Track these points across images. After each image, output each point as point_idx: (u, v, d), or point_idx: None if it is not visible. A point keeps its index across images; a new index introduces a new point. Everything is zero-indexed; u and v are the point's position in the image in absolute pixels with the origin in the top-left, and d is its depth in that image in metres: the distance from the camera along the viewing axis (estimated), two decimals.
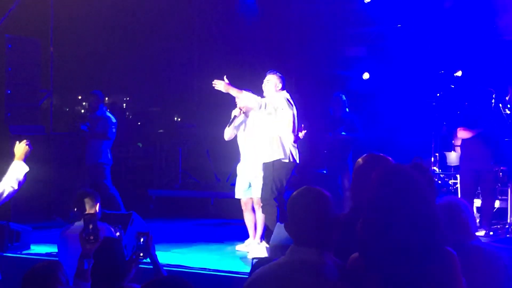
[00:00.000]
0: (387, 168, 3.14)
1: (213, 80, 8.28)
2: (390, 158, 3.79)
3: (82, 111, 19.03)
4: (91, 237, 4.31)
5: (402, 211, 2.92)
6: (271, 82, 8.38)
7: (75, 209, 6.12)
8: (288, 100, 8.31)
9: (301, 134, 8.53)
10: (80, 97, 19.19)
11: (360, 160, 3.84)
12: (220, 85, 8.23)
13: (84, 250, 4.31)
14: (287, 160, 8.19)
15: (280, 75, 8.43)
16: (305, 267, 3.07)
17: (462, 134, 9.85)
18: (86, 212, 5.79)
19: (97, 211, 6.09)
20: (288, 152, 8.21)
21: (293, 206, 3.23)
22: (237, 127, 8.86)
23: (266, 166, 8.24)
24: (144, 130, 15.83)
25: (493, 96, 9.74)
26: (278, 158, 8.15)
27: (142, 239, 4.60)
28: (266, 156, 8.25)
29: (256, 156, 8.56)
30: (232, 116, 8.80)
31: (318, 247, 3.10)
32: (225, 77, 8.32)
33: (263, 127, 8.36)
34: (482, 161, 9.64)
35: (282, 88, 8.39)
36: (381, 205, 2.97)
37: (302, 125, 8.54)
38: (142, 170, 14.19)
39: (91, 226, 4.33)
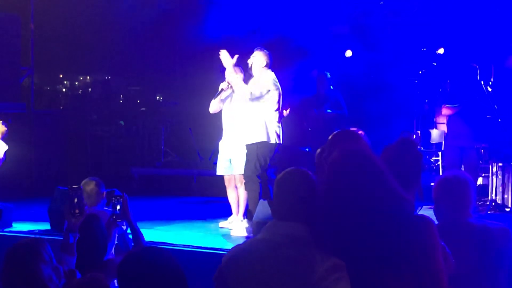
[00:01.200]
0: (343, 150, 3.12)
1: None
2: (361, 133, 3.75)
3: (64, 90, 18.92)
4: (76, 211, 4.30)
5: (359, 190, 2.91)
6: (258, 59, 8.31)
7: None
8: (274, 80, 8.26)
9: (285, 112, 8.51)
10: (61, 76, 19.06)
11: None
12: (227, 60, 8.20)
13: (69, 224, 4.29)
14: (271, 142, 8.17)
15: (267, 52, 8.34)
16: (291, 241, 3.02)
17: (446, 111, 9.90)
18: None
19: (103, 198, 6.10)
20: (272, 134, 8.18)
21: (279, 186, 3.22)
22: (223, 101, 8.78)
23: (250, 147, 8.22)
24: (126, 108, 15.74)
25: (478, 72, 9.77)
26: (262, 140, 8.13)
27: (118, 206, 4.57)
28: (250, 138, 8.21)
29: (239, 136, 8.51)
30: (220, 89, 8.70)
31: (300, 222, 3.07)
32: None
33: (249, 109, 8.30)
34: (466, 138, 9.71)
35: (269, 66, 8.33)
36: (337, 187, 2.96)
37: (288, 103, 8.53)
38: (124, 149, 14.13)
39: (75, 200, 4.31)
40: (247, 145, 8.24)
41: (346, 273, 2.87)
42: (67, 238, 4.25)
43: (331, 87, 10.97)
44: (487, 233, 3.79)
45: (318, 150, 3.93)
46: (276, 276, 2.96)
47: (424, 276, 2.77)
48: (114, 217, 4.51)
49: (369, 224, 2.86)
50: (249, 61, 8.37)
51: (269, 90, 8.14)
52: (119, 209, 4.50)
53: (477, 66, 9.79)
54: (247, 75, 8.58)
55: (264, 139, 8.12)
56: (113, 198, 4.60)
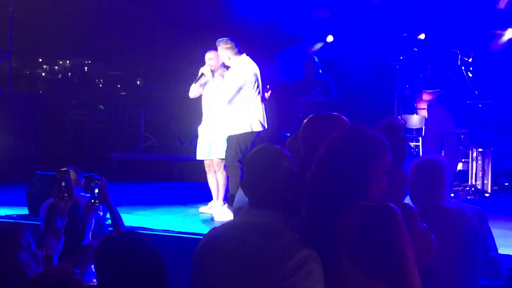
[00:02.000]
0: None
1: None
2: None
3: (43, 74, 18.79)
4: (65, 194, 4.26)
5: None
6: (221, 53, 8.23)
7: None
8: (245, 69, 8.17)
9: (267, 95, 8.46)
10: (40, 60, 18.92)
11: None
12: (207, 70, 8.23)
13: (58, 207, 4.25)
14: (253, 130, 8.14)
15: (228, 39, 8.18)
16: (262, 231, 2.87)
17: (427, 97, 9.93)
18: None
19: (81, 185, 6.03)
20: (254, 122, 8.13)
21: (249, 165, 3.06)
22: (203, 86, 8.71)
23: (231, 136, 8.16)
24: (106, 92, 15.65)
25: (458, 57, 9.80)
26: (243, 132, 8.08)
27: (96, 190, 4.52)
28: (231, 129, 8.14)
29: (219, 124, 8.45)
30: (200, 73, 8.61)
31: (274, 209, 2.92)
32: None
33: (222, 99, 8.25)
34: (446, 123, 9.74)
35: (239, 51, 8.24)
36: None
37: (268, 86, 8.47)
38: (104, 133, 14.06)
39: (63, 184, 4.26)
40: (228, 136, 8.19)
41: (318, 265, 2.74)
42: (55, 222, 4.20)
43: (320, 71, 10.89)
44: (462, 216, 3.80)
45: (290, 137, 3.85)
46: (246, 266, 2.83)
47: (387, 270, 2.65)
48: (92, 201, 4.46)
49: (340, 212, 2.76)
50: (220, 56, 8.30)
51: (240, 87, 8.06)
52: (97, 193, 4.45)
53: (458, 52, 9.81)
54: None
55: (246, 130, 8.08)
56: (92, 182, 4.56)
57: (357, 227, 2.69)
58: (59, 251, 4.18)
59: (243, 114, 8.10)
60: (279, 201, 2.94)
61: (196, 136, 9.08)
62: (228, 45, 8.17)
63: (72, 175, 6.05)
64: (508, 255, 6.22)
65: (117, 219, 4.55)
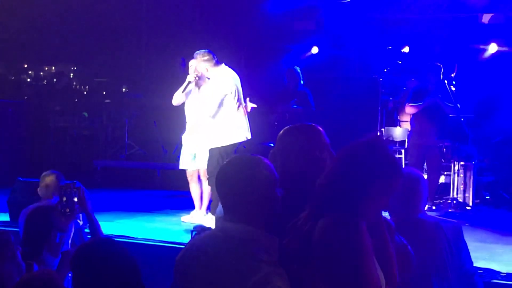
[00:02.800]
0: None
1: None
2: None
3: (28, 80, 18.72)
4: (67, 210, 4.18)
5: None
6: (199, 66, 8.22)
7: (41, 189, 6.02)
8: (225, 80, 8.14)
9: (250, 105, 8.48)
10: (25, 66, 18.85)
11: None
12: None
13: (59, 223, 4.18)
14: (236, 142, 8.13)
15: (206, 52, 8.16)
16: (228, 244, 2.84)
17: (410, 110, 9.98)
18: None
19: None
20: (236, 133, 8.12)
21: (220, 176, 2.97)
22: (187, 94, 8.72)
23: (214, 148, 8.15)
24: (91, 100, 15.62)
25: (441, 71, 9.86)
26: (226, 144, 8.07)
27: (64, 197, 4.40)
28: (214, 142, 8.13)
29: (203, 134, 8.43)
30: (187, 82, 8.59)
31: (245, 223, 2.86)
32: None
33: (204, 112, 8.21)
34: (428, 136, 9.79)
35: (216, 63, 8.21)
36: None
37: (248, 98, 8.48)
38: (87, 140, 14.02)
39: (64, 199, 4.19)
40: (210, 149, 8.17)
41: (283, 282, 2.71)
42: (54, 238, 4.15)
43: (302, 81, 10.91)
44: (438, 229, 3.81)
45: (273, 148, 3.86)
46: (216, 279, 2.80)
47: (346, 284, 2.63)
48: (62, 210, 4.30)
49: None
50: (198, 69, 8.29)
51: (222, 100, 8.06)
52: (65, 201, 4.30)
53: (441, 65, 9.87)
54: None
55: (229, 142, 8.07)
56: (71, 190, 4.46)
57: (322, 241, 2.69)
58: (54, 268, 4.14)
59: (225, 126, 8.08)
60: (251, 215, 2.87)
61: (180, 145, 9.07)
62: (205, 58, 8.15)
63: (53, 179, 6.03)
64: (488, 269, 6.25)
65: (95, 227, 4.53)
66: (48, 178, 6.11)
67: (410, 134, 10.28)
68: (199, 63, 8.21)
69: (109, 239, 2.88)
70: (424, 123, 9.80)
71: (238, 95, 8.19)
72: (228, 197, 2.93)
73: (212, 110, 8.02)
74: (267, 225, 2.91)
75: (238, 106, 8.18)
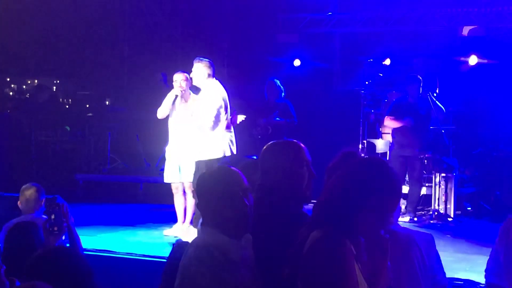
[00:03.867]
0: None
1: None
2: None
3: (11, 93, 18.65)
4: (55, 228, 4.15)
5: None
6: (199, 70, 8.23)
7: (21, 203, 5.99)
8: (218, 93, 8.19)
9: (240, 118, 8.52)
10: (8, 79, 18.79)
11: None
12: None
13: (47, 241, 4.14)
14: (223, 155, 8.15)
15: (207, 61, 8.26)
16: (197, 250, 3.07)
17: (389, 123, 10.04)
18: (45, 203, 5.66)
19: (42, 205, 5.94)
20: (224, 147, 8.15)
21: (199, 185, 3.23)
22: (171, 106, 8.71)
23: (200, 161, 8.16)
24: (73, 113, 15.58)
25: (421, 84, 9.93)
26: (213, 158, 8.08)
27: (53, 215, 4.35)
28: (200, 155, 8.15)
29: (188, 148, 8.43)
30: (173, 96, 8.58)
31: (218, 229, 3.10)
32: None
33: (200, 124, 8.20)
34: (410, 148, 9.84)
35: (213, 75, 8.29)
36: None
37: (235, 110, 8.51)
38: (69, 154, 13.97)
39: (53, 217, 4.15)
40: (196, 162, 8.18)
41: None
42: None
43: (283, 94, 10.94)
44: (410, 240, 3.83)
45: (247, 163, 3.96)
46: (186, 285, 3.01)
47: None
48: (50, 228, 4.26)
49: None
50: (192, 74, 8.32)
51: (218, 112, 8.09)
52: (53, 218, 4.26)
53: (420, 78, 9.95)
54: (193, 87, 8.55)
55: (216, 155, 8.08)
56: (50, 207, 4.42)
57: (308, 253, 2.77)
58: None
59: (213, 139, 8.12)
60: (225, 223, 3.10)
61: (162, 159, 9.05)
62: (208, 65, 8.22)
63: (33, 193, 6.00)
64: (468, 280, 6.29)
65: (75, 242, 4.51)
66: (28, 192, 6.08)
67: (392, 146, 10.34)
68: (201, 68, 8.20)
69: (63, 247, 2.86)
70: (405, 135, 9.86)
71: (226, 109, 8.22)
72: (203, 204, 3.20)
73: (210, 123, 8.04)
74: (240, 230, 3.14)
75: (227, 121, 8.22)
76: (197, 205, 3.24)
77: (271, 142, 3.77)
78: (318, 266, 2.71)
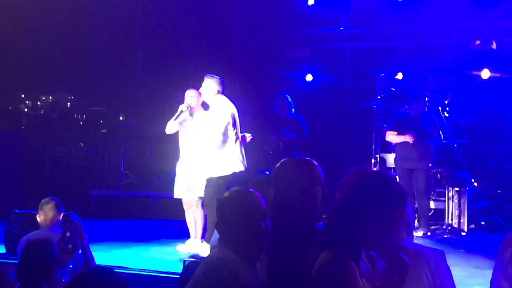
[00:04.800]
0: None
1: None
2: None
3: (25, 109, 18.76)
4: (69, 246, 4.17)
5: None
6: (210, 87, 8.29)
7: (40, 216, 6.04)
8: (227, 109, 8.24)
9: (247, 136, 8.55)
10: (23, 96, 18.91)
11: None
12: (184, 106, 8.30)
13: (61, 259, 4.16)
14: (234, 171, 8.19)
15: (218, 78, 8.32)
16: (207, 264, 3.15)
17: (390, 138, 10.06)
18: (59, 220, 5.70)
19: (60, 220, 5.99)
20: (234, 163, 8.18)
21: (221, 205, 3.27)
22: (181, 123, 8.75)
23: (212, 178, 8.19)
24: (87, 129, 15.67)
25: (426, 99, 9.94)
26: (223, 175, 8.11)
27: (68, 233, 4.39)
28: (212, 172, 8.18)
29: (199, 163, 8.46)
30: (179, 111, 8.63)
31: (232, 249, 3.16)
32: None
33: (209, 141, 8.26)
34: (413, 161, 9.83)
35: (222, 92, 8.33)
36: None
37: (246, 134, 8.57)
38: (83, 171, 14.04)
39: (68, 234, 4.18)
40: (207, 179, 8.22)
41: None
42: (54, 273, 4.14)
43: (293, 110, 10.97)
44: (420, 256, 3.82)
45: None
46: None
47: None
48: (66, 246, 4.26)
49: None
50: (201, 90, 8.37)
51: (226, 129, 8.13)
52: (68, 236, 4.29)
53: (427, 94, 9.98)
54: (203, 103, 8.59)
55: (227, 172, 8.11)
56: (66, 224, 4.46)
57: (316, 273, 2.79)
58: None
59: (223, 156, 8.15)
60: (240, 245, 3.15)
61: (175, 174, 9.09)
62: (218, 82, 8.27)
63: (52, 208, 6.05)
64: None
65: (88, 259, 4.54)
66: (47, 207, 6.13)
67: (395, 159, 10.31)
68: (211, 84, 8.26)
69: (107, 268, 2.89)
70: (408, 149, 9.85)
71: (235, 126, 8.26)
72: (221, 225, 3.24)
73: (218, 141, 8.08)
74: (254, 253, 3.17)
75: (236, 137, 8.26)
76: (216, 225, 3.28)
77: (285, 159, 3.78)
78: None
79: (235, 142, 8.26)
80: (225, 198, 3.28)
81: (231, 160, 8.19)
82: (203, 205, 8.47)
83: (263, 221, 3.20)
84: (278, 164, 3.73)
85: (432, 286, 3.80)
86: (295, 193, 3.55)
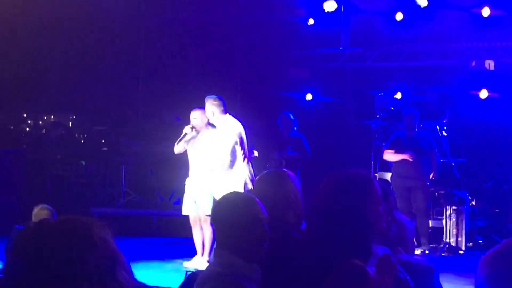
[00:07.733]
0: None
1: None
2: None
3: (27, 129, 18.82)
4: None
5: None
6: (210, 109, 8.38)
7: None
8: (233, 127, 8.34)
9: (255, 153, 8.64)
10: (25, 115, 18.98)
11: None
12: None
13: None
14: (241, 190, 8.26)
15: (217, 97, 8.41)
16: (211, 272, 3.21)
17: (388, 157, 10.13)
18: None
19: None
20: (242, 182, 8.26)
21: (215, 211, 3.38)
22: (187, 142, 8.83)
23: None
24: (88, 148, 15.74)
25: (416, 117, 10.04)
26: None
27: None
28: (220, 191, 8.20)
29: (207, 181, 8.54)
30: (184, 133, 8.75)
31: (233, 252, 3.19)
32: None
33: (217, 164, 8.34)
34: (412, 180, 9.90)
35: (225, 111, 8.44)
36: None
37: (252, 145, 8.65)
38: (84, 189, 14.11)
39: None
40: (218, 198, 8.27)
41: None
42: None
43: (295, 128, 11.06)
44: (409, 268, 3.85)
45: None
46: None
47: None
48: None
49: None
50: (206, 114, 8.46)
51: (233, 149, 8.22)
52: None
53: (415, 113, 10.10)
54: (212, 125, 8.67)
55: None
56: None
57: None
58: None
59: (232, 175, 8.25)
60: (239, 247, 3.19)
61: (175, 192, 9.15)
62: (216, 102, 8.37)
63: (47, 214, 6.03)
64: None
65: None
66: (39, 214, 6.09)
67: (392, 177, 10.38)
68: (209, 106, 8.37)
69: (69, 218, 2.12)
70: (406, 167, 9.93)
71: (242, 144, 8.34)
72: (220, 230, 3.28)
73: (226, 162, 8.16)
74: (255, 257, 3.22)
75: (244, 156, 8.33)
76: (216, 228, 3.33)
77: (264, 172, 4.04)
78: None
79: (243, 160, 8.34)
80: (226, 201, 3.36)
81: (240, 178, 8.26)
82: (212, 224, 8.50)
83: (267, 227, 3.27)
84: (257, 178, 4.09)
85: None
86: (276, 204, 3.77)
